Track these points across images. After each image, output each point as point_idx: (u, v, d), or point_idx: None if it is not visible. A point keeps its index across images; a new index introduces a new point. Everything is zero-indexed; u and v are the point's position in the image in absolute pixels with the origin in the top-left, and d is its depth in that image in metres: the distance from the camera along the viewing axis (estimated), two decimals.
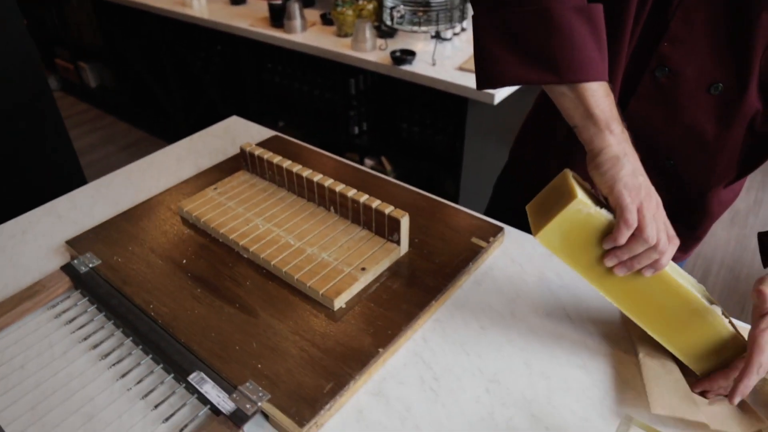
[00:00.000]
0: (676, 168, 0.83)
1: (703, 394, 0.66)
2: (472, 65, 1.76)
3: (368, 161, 2.30)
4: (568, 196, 0.63)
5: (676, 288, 0.64)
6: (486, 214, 1.07)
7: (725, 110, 0.75)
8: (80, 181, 1.03)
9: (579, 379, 0.69)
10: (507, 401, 0.66)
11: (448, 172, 1.96)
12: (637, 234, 0.60)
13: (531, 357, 0.72)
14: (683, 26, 0.71)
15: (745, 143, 0.78)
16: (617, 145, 0.62)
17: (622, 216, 0.60)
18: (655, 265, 0.62)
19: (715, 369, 0.66)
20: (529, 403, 0.66)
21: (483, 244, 0.86)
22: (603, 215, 0.62)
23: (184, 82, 2.86)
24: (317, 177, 0.89)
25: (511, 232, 0.92)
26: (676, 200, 0.85)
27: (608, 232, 0.62)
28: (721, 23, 0.69)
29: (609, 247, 0.63)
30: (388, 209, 0.81)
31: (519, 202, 1.05)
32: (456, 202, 1.05)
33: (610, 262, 0.63)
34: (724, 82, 0.72)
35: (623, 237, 0.61)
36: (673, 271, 0.65)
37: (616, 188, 0.61)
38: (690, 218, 0.90)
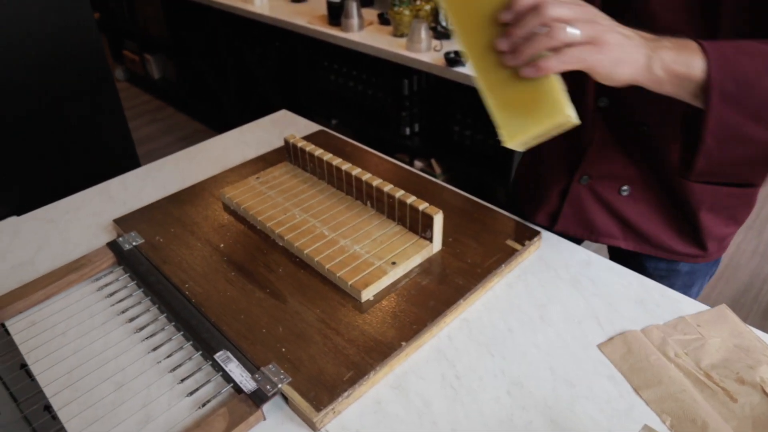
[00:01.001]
0: (650, 134, 0.78)
1: None
2: None
3: (418, 163, 2.30)
4: None
5: None
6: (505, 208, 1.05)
7: None
8: (135, 166, 1.09)
9: (605, 389, 0.67)
10: (527, 405, 0.65)
11: (498, 179, 1.94)
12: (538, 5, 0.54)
13: (557, 363, 0.70)
14: None
15: None
16: None
17: None
18: (542, 62, 0.55)
19: (523, 136, 0.61)
20: (550, 409, 0.65)
21: (518, 246, 0.84)
22: None
23: (241, 77, 2.94)
24: (356, 171, 0.89)
25: (549, 237, 0.91)
26: (660, 179, 0.81)
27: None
28: None
29: (506, 19, 0.57)
30: (423, 206, 0.81)
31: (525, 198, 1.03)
32: (506, 209, 1.02)
33: (503, 44, 0.57)
34: None
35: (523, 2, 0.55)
36: None
37: None
38: (683, 207, 0.83)
